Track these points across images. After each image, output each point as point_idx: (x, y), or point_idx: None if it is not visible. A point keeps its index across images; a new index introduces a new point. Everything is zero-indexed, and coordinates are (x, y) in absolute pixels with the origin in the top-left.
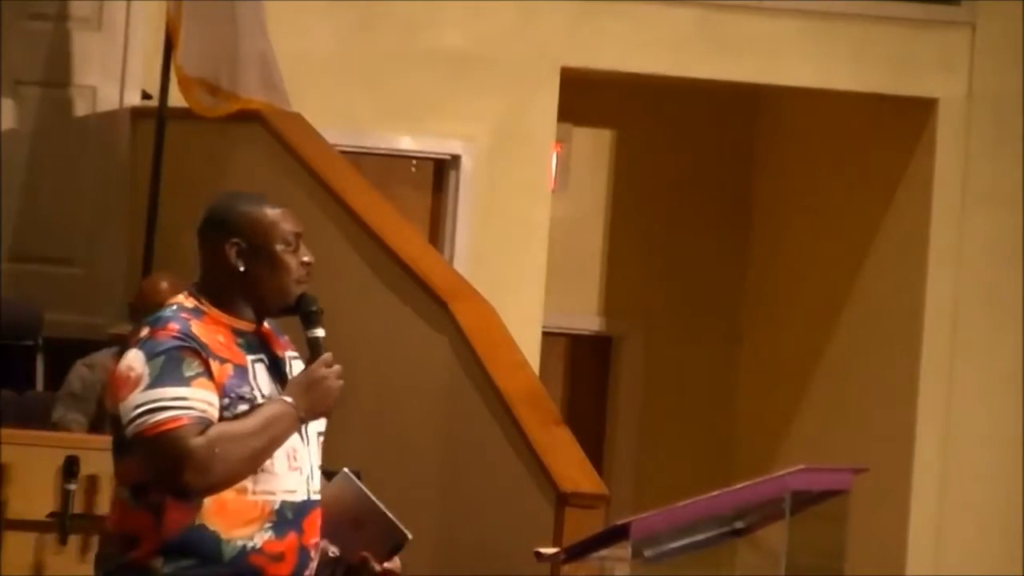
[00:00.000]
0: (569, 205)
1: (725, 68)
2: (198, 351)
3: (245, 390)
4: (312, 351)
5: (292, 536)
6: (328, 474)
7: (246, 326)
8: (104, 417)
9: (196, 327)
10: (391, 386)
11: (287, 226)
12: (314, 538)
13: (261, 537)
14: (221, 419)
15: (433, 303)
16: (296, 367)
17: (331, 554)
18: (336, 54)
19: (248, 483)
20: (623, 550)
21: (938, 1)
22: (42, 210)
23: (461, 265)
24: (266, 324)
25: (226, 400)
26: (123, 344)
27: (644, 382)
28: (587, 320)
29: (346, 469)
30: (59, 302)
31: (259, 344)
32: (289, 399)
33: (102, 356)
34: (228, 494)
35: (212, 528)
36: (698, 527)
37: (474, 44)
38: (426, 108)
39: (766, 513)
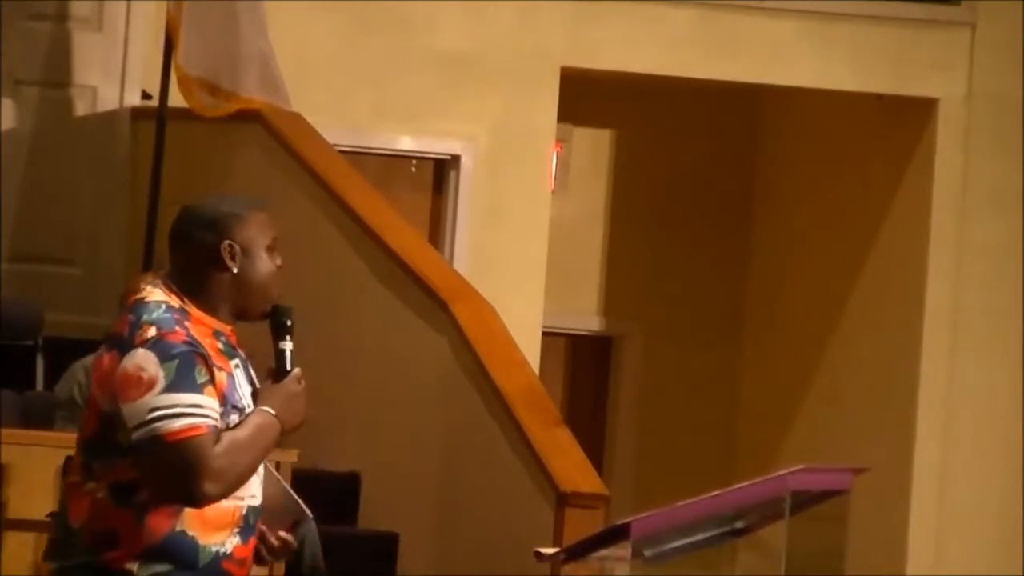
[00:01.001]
0: (569, 205)
1: (725, 68)
2: (206, 358)
3: (236, 398)
4: (279, 363)
5: (252, 541)
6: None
7: (224, 328)
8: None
9: (191, 330)
10: (391, 386)
11: (270, 231)
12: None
13: (231, 543)
14: None
15: (433, 303)
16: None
17: None
18: (336, 54)
19: None
20: (623, 550)
21: (938, 1)
22: (42, 210)
23: (461, 265)
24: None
25: (221, 409)
26: (114, 338)
27: (644, 382)
28: (587, 320)
29: None
30: (59, 302)
31: (232, 346)
32: (273, 411)
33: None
34: None
35: (192, 534)
36: (698, 527)
37: (474, 44)
38: (426, 108)
39: (766, 513)
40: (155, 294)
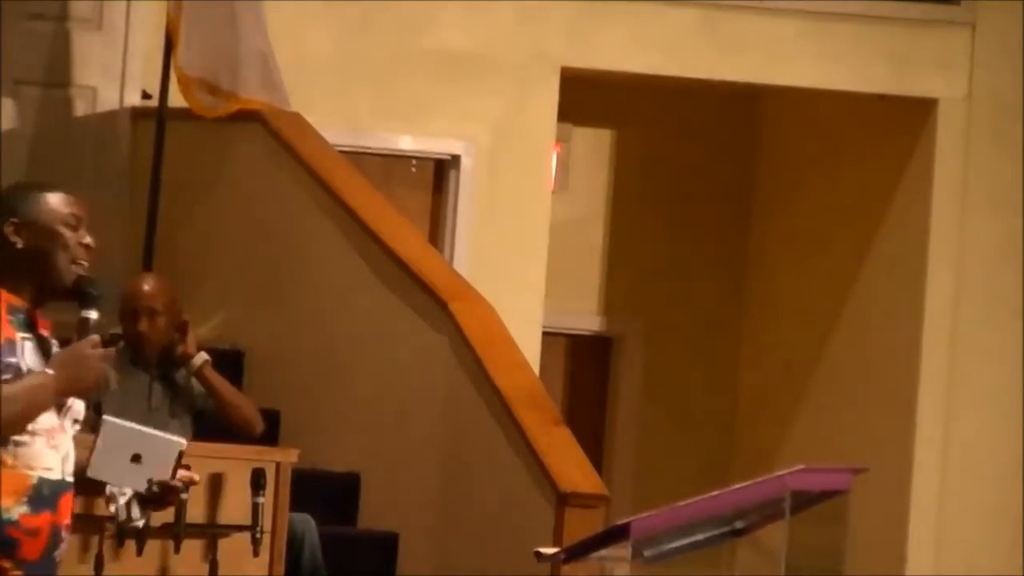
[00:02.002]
0: (569, 205)
1: (725, 68)
2: None
3: (12, 361)
4: (80, 331)
5: (46, 514)
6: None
7: (20, 304)
8: (99, 420)
9: None
10: (391, 386)
11: (67, 208)
12: (67, 519)
13: (18, 511)
14: None
15: (433, 303)
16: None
17: (124, 497)
18: (336, 54)
19: (8, 457)
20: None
21: (938, 1)
22: None
23: (461, 265)
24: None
25: None
26: (112, 342)
27: (644, 382)
28: (587, 320)
29: (105, 416)
30: (59, 302)
31: (30, 324)
32: (50, 371)
33: None
34: None
35: None
36: (698, 527)
37: (474, 44)
38: (426, 108)
39: (766, 513)
40: None
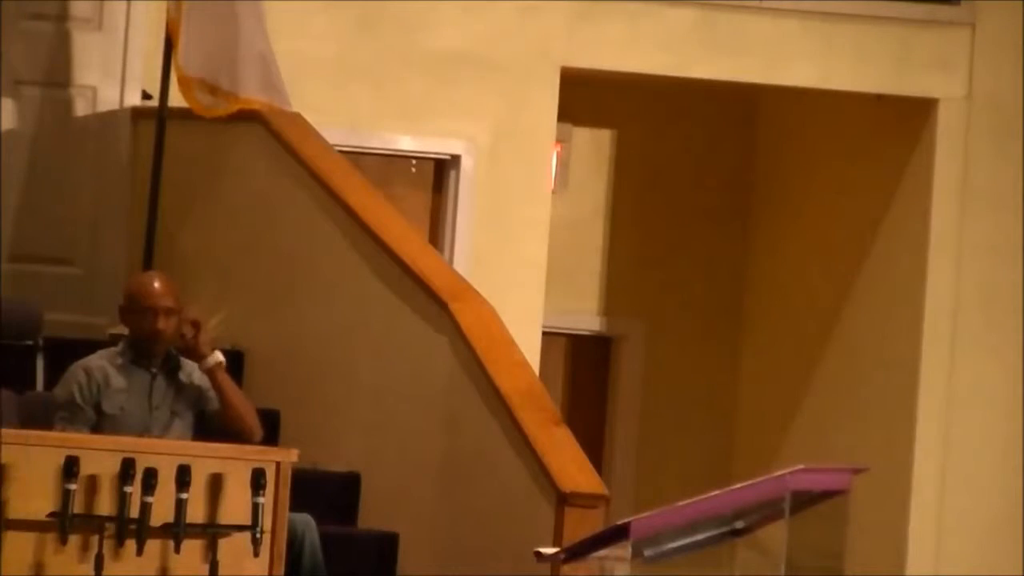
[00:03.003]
0: (569, 205)
1: (725, 68)
2: None
3: None
4: None
5: None
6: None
7: None
8: (103, 421)
9: None
10: (391, 386)
11: None
12: None
13: None
14: None
15: (433, 303)
16: None
17: None
18: (336, 54)
19: None
20: (623, 550)
21: (938, 1)
22: (42, 210)
23: (461, 265)
24: None
25: None
26: (113, 342)
27: (644, 382)
28: (587, 320)
29: None
30: (59, 302)
31: None
32: None
33: (98, 359)
34: None
35: None
36: (698, 527)
37: (474, 44)
38: (426, 108)
39: (766, 513)
40: None
